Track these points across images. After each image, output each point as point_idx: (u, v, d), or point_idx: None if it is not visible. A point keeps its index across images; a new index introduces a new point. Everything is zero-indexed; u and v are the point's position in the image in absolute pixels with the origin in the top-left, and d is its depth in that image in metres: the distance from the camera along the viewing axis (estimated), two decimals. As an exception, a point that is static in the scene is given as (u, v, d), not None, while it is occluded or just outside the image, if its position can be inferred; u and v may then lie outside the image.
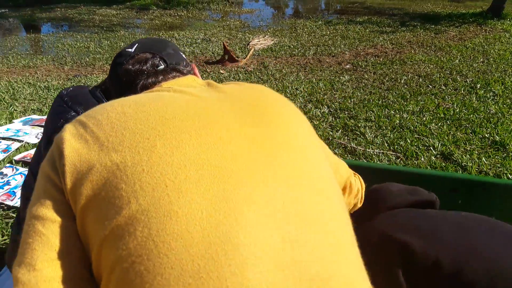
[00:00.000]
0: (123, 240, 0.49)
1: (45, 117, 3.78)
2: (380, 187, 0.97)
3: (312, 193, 0.58)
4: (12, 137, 3.23)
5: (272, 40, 7.20)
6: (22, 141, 3.17)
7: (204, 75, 5.18)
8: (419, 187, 0.95)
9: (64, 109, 1.11)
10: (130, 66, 0.83)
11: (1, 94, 4.50)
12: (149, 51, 0.86)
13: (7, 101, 4.27)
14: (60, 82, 4.98)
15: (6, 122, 3.67)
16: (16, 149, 3.03)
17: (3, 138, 3.23)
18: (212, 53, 6.41)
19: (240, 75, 5.16)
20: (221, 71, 5.34)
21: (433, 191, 1.04)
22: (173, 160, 0.54)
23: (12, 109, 4.02)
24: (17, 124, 3.59)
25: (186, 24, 9.50)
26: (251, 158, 0.57)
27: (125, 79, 0.84)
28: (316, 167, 0.63)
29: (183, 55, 0.92)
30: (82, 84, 4.56)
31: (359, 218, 0.89)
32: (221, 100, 0.67)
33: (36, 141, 3.19)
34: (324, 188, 0.61)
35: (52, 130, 1.11)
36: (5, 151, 2.98)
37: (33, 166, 1.21)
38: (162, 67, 0.83)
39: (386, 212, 0.89)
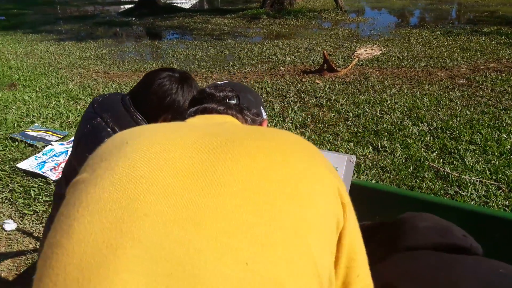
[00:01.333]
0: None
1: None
2: (406, 219, 0.83)
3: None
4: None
5: (380, 50, 6.89)
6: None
7: (299, 85, 5.15)
8: (455, 225, 0.78)
9: (92, 115, 1.16)
10: (207, 89, 0.86)
11: (109, 94, 5.00)
12: (231, 87, 0.87)
13: (112, 102, 4.73)
14: (162, 86, 5.36)
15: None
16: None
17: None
18: (313, 62, 6.35)
19: (337, 85, 5.02)
20: (317, 81, 5.26)
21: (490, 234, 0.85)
22: (94, 192, 0.51)
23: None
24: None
25: (294, 33, 9.59)
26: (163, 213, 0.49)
27: (196, 96, 0.86)
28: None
29: (262, 110, 0.91)
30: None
31: (373, 254, 0.76)
32: (194, 144, 0.58)
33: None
34: None
35: (80, 134, 1.18)
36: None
37: (65, 168, 1.29)
38: (233, 102, 0.83)
39: (402, 253, 0.74)
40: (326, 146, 3.29)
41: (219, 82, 0.90)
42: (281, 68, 6.16)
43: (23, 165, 3.03)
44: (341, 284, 0.63)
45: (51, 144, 3.40)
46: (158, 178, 0.52)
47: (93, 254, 0.45)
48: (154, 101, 1.13)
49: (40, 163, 3.05)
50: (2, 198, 2.74)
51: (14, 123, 4.03)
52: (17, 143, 3.52)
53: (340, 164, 1.32)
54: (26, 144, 3.49)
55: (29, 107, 4.53)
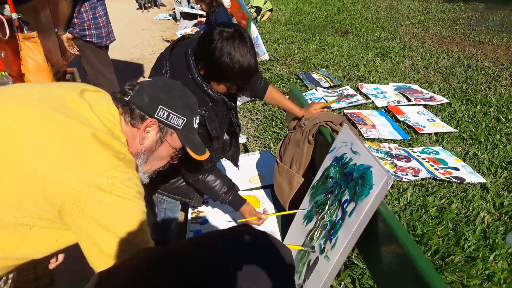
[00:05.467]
0: None
1: (419, 89, 3.89)
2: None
3: None
4: (370, 95, 3.67)
5: None
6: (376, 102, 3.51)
7: None
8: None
9: (164, 51, 1.40)
10: (126, 86, 1.05)
11: (419, 60, 4.87)
12: (141, 86, 1.03)
13: (404, 67, 4.62)
14: (485, 64, 4.74)
15: (387, 83, 4.07)
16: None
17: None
18: None
19: None
20: None
21: None
22: None
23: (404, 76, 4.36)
24: (389, 87, 3.92)
25: None
26: None
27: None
28: None
29: (162, 111, 1.01)
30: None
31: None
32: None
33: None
34: None
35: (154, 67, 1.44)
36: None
37: None
38: (125, 98, 1.01)
39: None
40: None
41: (159, 79, 1.07)
42: None
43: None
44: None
45: (316, 90, 3.79)
46: None
47: None
48: (200, 50, 1.27)
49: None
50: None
51: (315, 64, 4.62)
52: (298, 80, 4.10)
53: (378, 181, 1.07)
54: (302, 83, 4.02)
55: (338, 54, 5.02)
